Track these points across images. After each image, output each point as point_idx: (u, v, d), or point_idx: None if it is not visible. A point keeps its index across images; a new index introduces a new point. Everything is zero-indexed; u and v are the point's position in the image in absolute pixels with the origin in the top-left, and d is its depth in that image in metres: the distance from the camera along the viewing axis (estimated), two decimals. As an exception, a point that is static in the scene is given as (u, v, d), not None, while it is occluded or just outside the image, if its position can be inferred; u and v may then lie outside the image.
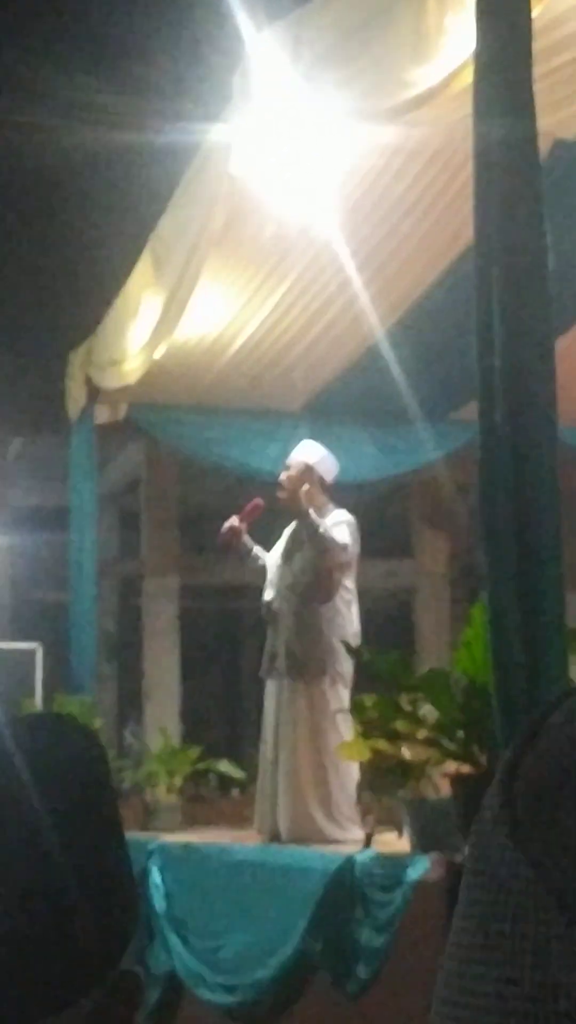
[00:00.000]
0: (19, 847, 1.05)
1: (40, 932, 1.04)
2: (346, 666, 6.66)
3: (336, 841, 6.23)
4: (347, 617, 6.77)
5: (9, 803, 1.07)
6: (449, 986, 0.61)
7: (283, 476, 6.89)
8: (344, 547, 6.67)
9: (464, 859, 0.63)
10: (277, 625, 6.86)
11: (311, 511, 6.68)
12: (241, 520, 7.07)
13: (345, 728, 6.36)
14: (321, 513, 6.78)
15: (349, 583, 6.84)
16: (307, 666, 6.67)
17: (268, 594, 6.95)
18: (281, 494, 6.84)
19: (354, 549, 6.80)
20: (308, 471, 6.90)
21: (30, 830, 1.06)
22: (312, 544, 6.68)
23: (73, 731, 1.17)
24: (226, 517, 7.22)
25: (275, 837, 6.56)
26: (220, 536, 7.16)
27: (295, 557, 6.89)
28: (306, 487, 6.76)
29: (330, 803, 6.47)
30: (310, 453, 7.06)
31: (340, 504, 6.99)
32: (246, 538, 7.12)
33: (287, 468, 6.95)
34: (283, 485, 6.83)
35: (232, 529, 7.06)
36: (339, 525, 6.73)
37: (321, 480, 6.94)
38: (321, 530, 6.62)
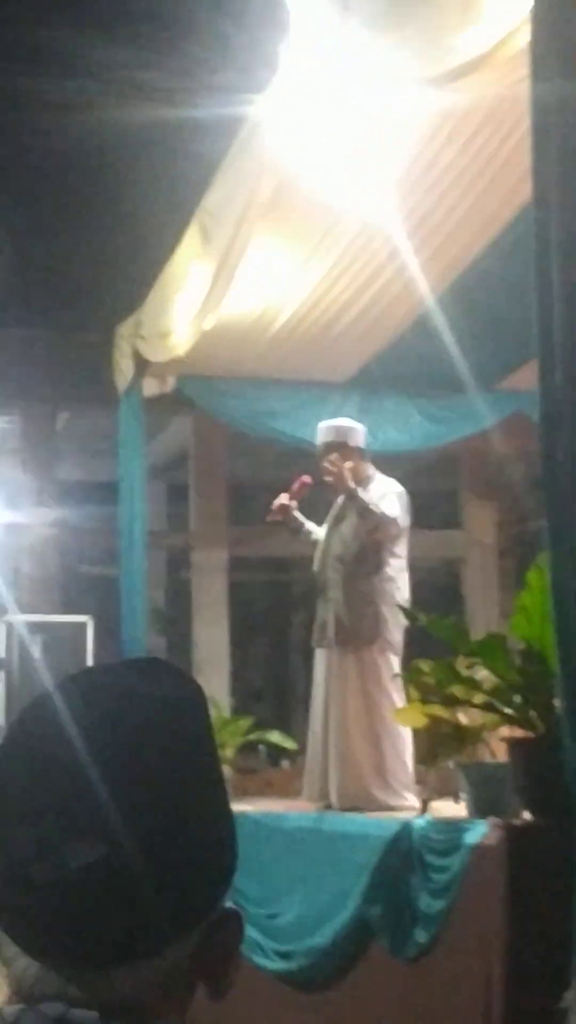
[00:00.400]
0: (134, 786, 1.07)
1: (157, 866, 1.06)
2: (396, 634, 6.68)
3: (391, 808, 6.25)
4: (397, 584, 6.78)
5: (125, 742, 1.09)
6: None
7: (325, 462, 6.87)
8: (394, 520, 6.69)
9: None
10: (327, 595, 6.89)
11: (359, 490, 6.70)
12: (291, 498, 7.10)
13: (397, 695, 6.38)
14: (367, 484, 6.80)
15: (400, 551, 6.85)
16: (357, 634, 6.69)
17: (317, 564, 6.99)
18: (329, 478, 6.85)
19: (405, 520, 6.81)
20: (344, 449, 6.90)
21: (145, 768, 1.08)
22: (364, 520, 6.70)
23: (181, 677, 1.18)
24: (274, 489, 7.25)
25: (327, 806, 6.59)
26: (270, 514, 7.19)
27: (343, 527, 6.91)
28: (349, 465, 6.77)
29: (384, 770, 6.50)
30: (339, 432, 7.04)
31: (388, 475, 7.00)
32: (296, 514, 7.15)
33: (324, 452, 6.92)
34: (328, 470, 6.84)
35: (282, 507, 7.10)
36: (388, 497, 6.74)
37: (359, 452, 6.95)
38: (371, 507, 6.64)
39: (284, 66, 6.06)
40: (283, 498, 7.12)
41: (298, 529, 7.17)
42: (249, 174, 6.78)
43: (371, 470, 6.97)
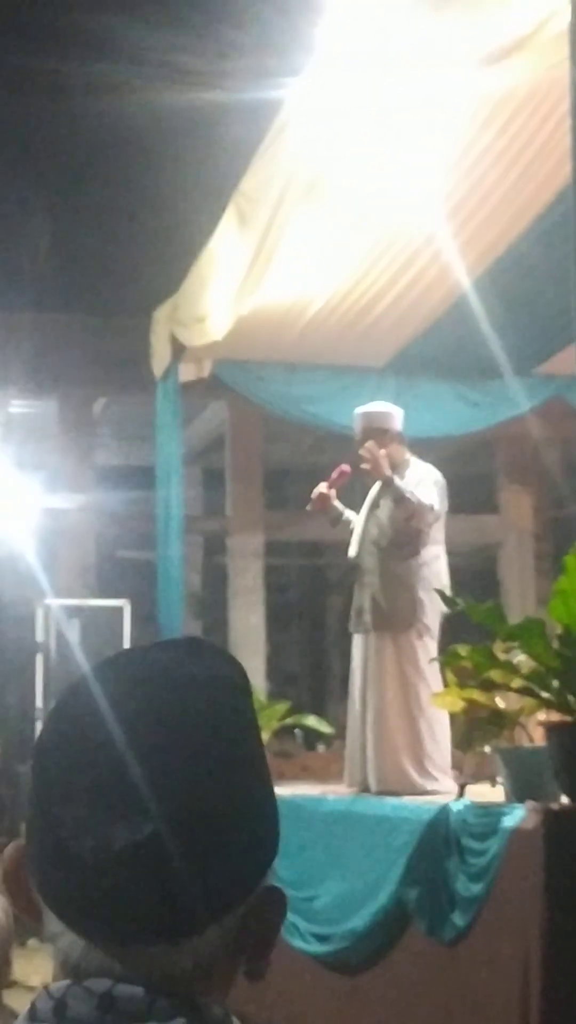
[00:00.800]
0: (175, 766, 1.07)
1: (200, 846, 1.07)
2: (433, 618, 6.67)
3: (428, 792, 6.25)
4: (434, 569, 6.76)
5: (164, 722, 1.09)
6: None
7: (361, 450, 6.85)
8: (431, 507, 6.66)
9: None
10: (364, 580, 6.88)
11: (395, 478, 6.67)
12: (329, 487, 7.09)
13: (434, 680, 6.38)
14: (402, 469, 6.78)
15: (437, 536, 6.83)
16: (394, 619, 6.69)
17: (353, 550, 6.97)
18: (366, 466, 6.83)
19: (442, 507, 6.78)
20: (381, 434, 6.87)
21: (185, 747, 1.09)
22: (400, 507, 6.68)
23: (221, 655, 1.18)
24: (310, 473, 7.25)
25: (365, 790, 6.60)
26: (311, 504, 7.18)
27: (380, 512, 6.89)
28: (383, 452, 6.75)
29: (422, 755, 6.50)
30: (376, 417, 7.01)
31: (424, 460, 6.98)
32: (336, 504, 7.14)
33: (362, 438, 6.90)
34: (364, 457, 6.82)
35: (321, 497, 7.08)
36: (424, 483, 6.72)
37: (396, 436, 6.93)
38: (407, 494, 6.61)
39: (320, 49, 6.05)
40: (322, 488, 7.10)
41: (338, 518, 7.16)
42: (286, 158, 6.77)
43: (407, 455, 6.94)
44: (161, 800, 1.06)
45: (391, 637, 6.70)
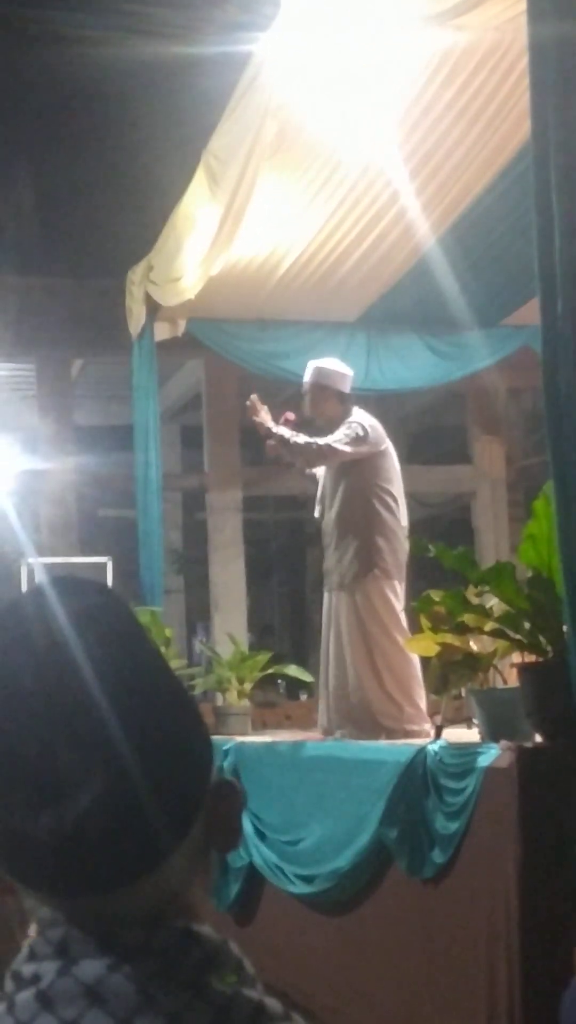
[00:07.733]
0: (92, 711, 1.10)
1: (150, 769, 1.10)
2: (393, 562, 6.72)
3: (406, 733, 6.39)
4: (386, 517, 6.79)
5: (72, 663, 1.11)
6: None
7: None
8: (326, 445, 6.72)
9: None
10: (325, 540, 7.00)
11: (279, 429, 6.81)
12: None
13: (395, 627, 6.51)
14: (336, 425, 6.85)
15: (384, 485, 6.84)
16: (352, 574, 6.76)
17: (317, 512, 7.08)
18: (308, 418, 6.94)
19: (359, 443, 6.76)
20: (320, 390, 6.98)
21: (101, 678, 1.11)
22: (290, 453, 6.82)
23: (90, 583, 1.21)
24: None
25: (343, 735, 6.71)
26: (268, 449, 7.25)
27: (327, 474, 7.03)
28: (321, 408, 6.91)
29: (393, 703, 6.60)
30: (318, 372, 7.07)
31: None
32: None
33: (306, 389, 7.04)
34: (307, 413, 6.96)
35: (271, 447, 7.15)
36: (338, 428, 6.80)
37: (335, 394, 6.98)
38: (289, 440, 6.76)
39: (287, 3, 6.09)
40: (270, 440, 7.17)
41: (291, 464, 7.24)
42: (254, 114, 6.81)
43: (343, 411, 6.92)
44: (92, 760, 1.08)
45: (354, 589, 6.77)
